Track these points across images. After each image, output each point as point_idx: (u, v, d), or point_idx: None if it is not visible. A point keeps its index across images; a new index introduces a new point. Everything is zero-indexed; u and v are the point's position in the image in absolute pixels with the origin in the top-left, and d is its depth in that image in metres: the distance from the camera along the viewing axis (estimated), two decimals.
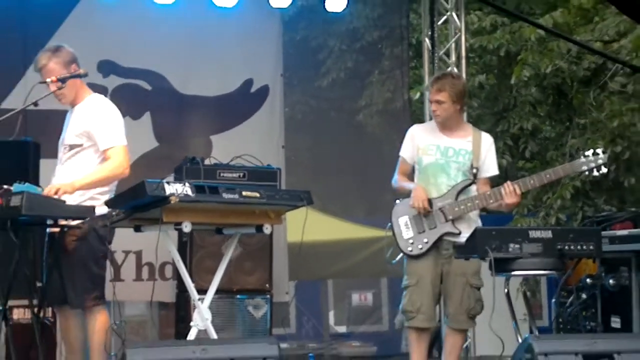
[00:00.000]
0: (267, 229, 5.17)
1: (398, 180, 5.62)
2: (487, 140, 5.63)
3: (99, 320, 5.16)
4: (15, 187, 4.79)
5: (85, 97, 5.39)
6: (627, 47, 10.28)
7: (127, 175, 5.26)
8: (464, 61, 8.69)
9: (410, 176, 5.61)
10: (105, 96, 7.49)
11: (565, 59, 11.08)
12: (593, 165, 5.50)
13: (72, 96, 5.36)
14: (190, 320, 5.27)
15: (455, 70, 8.38)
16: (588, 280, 6.49)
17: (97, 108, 5.35)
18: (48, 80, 5.27)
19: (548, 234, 5.20)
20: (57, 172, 5.36)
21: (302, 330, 9.76)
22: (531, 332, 5.45)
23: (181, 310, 7.19)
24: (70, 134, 5.32)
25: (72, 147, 5.29)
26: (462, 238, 5.33)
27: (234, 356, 3.95)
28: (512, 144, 11.66)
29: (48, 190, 5.00)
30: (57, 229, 5.05)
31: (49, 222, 5.01)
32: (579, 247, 5.19)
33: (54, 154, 5.58)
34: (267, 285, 7.36)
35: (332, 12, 8.33)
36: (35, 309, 5.34)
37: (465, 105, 5.88)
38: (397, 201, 5.54)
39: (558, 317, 6.89)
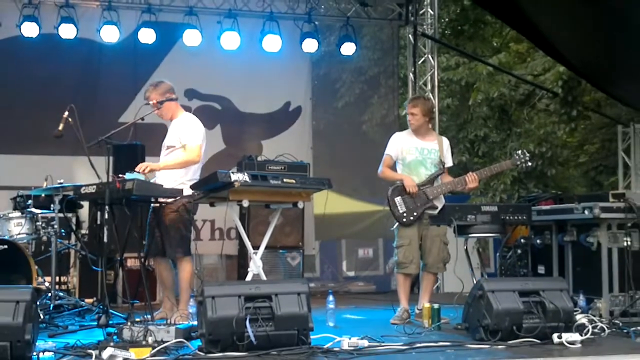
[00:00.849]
0: (300, 205, 5.20)
1: (384, 171, 5.51)
2: (446, 142, 5.59)
3: (186, 267, 5.16)
4: (128, 175, 4.80)
5: (180, 114, 5.37)
6: (550, 79, 10.24)
7: (198, 162, 5.20)
8: (436, 89, 8.68)
9: (392, 168, 5.54)
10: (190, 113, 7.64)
11: (507, 87, 11.06)
12: (524, 160, 5.48)
13: (169, 114, 5.35)
14: (247, 267, 5.28)
15: (431, 95, 8.36)
16: (522, 240, 6.46)
17: (187, 120, 5.34)
18: (150, 103, 5.30)
19: (494, 208, 5.21)
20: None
21: (324, 274, 9.72)
22: (482, 276, 5.45)
23: (241, 260, 7.22)
24: (168, 138, 5.32)
25: (169, 147, 5.29)
26: (436, 212, 5.33)
27: (278, 291, 3.92)
28: (470, 146, 11.60)
29: (140, 166, 5.00)
30: (158, 204, 5.08)
31: (152, 199, 5.04)
32: (516, 217, 5.22)
33: (155, 153, 5.60)
34: (300, 243, 7.36)
35: (346, 55, 8.32)
36: (142, 259, 5.44)
37: (432, 119, 5.81)
38: (390, 186, 5.50)
39: (501, 266, 6.87)
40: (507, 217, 5.16)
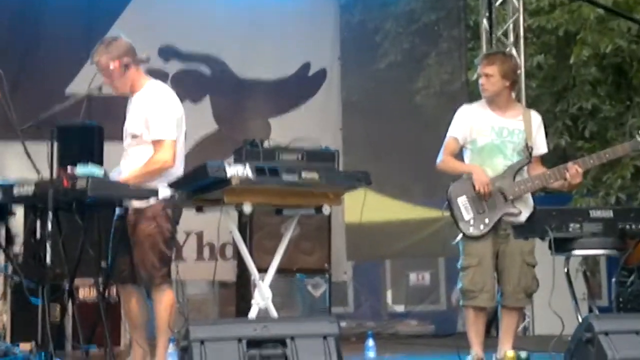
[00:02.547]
0: (326, 210, 5.19)
1: (446, 160, 5.53)
2: (536, 119, 5.58)
3: (166, 298, 5.18)
4: (79, 167, 4.83)
5: (144, 84, 5.35)
6: None
7: (171, 168, 5.18)
8: (522, 41, 8.63)
9: (458, 156, 5.56)
10: (166, 81, 7.66)
11: (625, 38, 10.90)
12: None
13: (126, 86, 5.32)
14: (250, 299, 5.31)
15: (514, 51, 8.32)
16: None
17: (154, 95, 5.30)
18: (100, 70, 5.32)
19: (609, 214, 5.15)
20: (122, 163, 5.39)
21: (360, 309, 9.79)
22: (591, 311, 5.41)
23: (242, 289, 7.27)
24: (131, 122, 5.31)
25: (133, 136, 5.28)
26: (522, 218, 5.30)
27: (295, 334, 3.91)
28: (571, 123, 11.49)
29: None
30: (124, 210, 5.11)
31: (117, 203, 5.07)
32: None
33: (117, 137, 5.62)
34: (325, 265, 7.41)
35: None
36: (101, 288, 5.46)
37: (515, 84, 5.82)
38: (452, 182, 5.49)
39: (618, 296, 6.82)
40: (627, 227, 5.10)
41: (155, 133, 5.18)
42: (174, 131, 5.22)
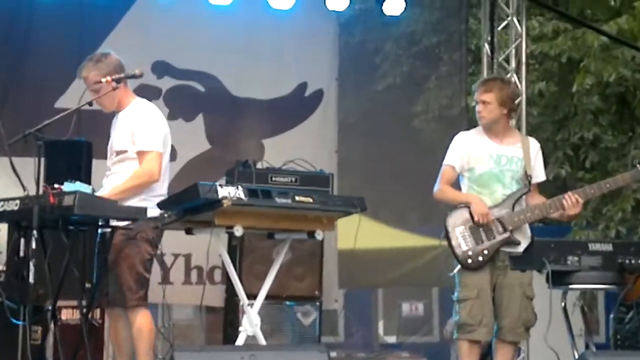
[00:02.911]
0: (319, 235, 5.21)
1: (443, 189, 5.53)
2: (535, 146, 5.61)
3: (142, 321, 5.19)
4: (66, 185, 4.86)
5: (130, 102, 5.43)
6: None
7: (157, 179, 5.27)
8: (524, 67, 8.61)
9: (455, 185, 5.57)
10: (159, 97, 7.73)
11: (630, 67, 10.93)
12: None
13: (113, 104, 5.39)
14: (238, 325, 5.32)
15: (515, 77, 8.33)
16: None
17: (140, 111, 5.39)
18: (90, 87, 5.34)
19: (608, 247, 5.16)
20: (105, 182, 5.42)
21: (351, 339, 9.78)
22: (587, 347, 5.40)
23: (230, 315, 7.24)
24: (116, 139, 5.38)
25: (118, 152, 5.35)
26: (520, 249, 5.31)
27: None
28: (572, 153, 11.52)
29: None
30: (109, 230, 5.12)
31: (101, 222, 5.08)
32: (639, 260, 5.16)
33: (106, 154, 5.65)
34: (316, 292, 7.37)
35: (390, 16, 8.32)
36: (84, 310, 5.44)
37: (513, 111, 5.83)
38: (450, 211, 5.49)
39: (616, 333, 6.82)
40: (627, 261, 5.10)
41: (141, 144, 5.23)
42: (160, 144, 5.27)
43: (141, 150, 5.24)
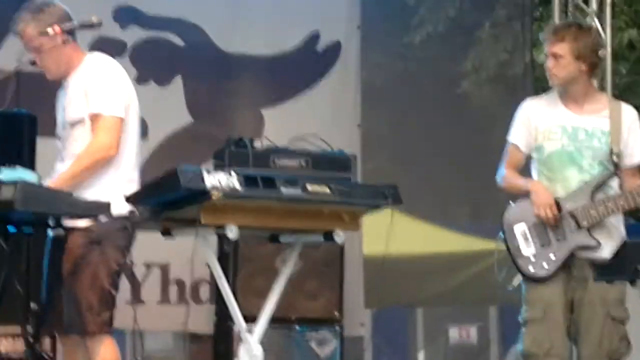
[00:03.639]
0: (339, 237, 5.20)
1: (507, 176, 5.55)
2: (629, 115, 5.57)
3: (105, 352, 5.17)
4: (5, 173, 4.86)
5: (82, 59, 5.41)
6: None
7: (114, 156, 5.22)
8: (608, 10, 8.61)
9: (523, 169, 5.58)
10: (123, 54, 7.77)
11: None
12: None
13: (59, 67, 5.39)
14: (233, 357, 5.35)
15: (597, 22, 8.33)
16: None
17: (94, 66, 5.37)
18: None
19: None
20: (58, 166, 5.42)
21: None
22: None
23: (220, 344, 7.32)
24: (70, 107, 5.35)
25: (73, 124, 5.32)
26: (603, 253, 5.32)
27: None
28: None
29: None
30: (63, 231, 5.13)
31: (51, 222, 5.07)
32: None
33: (55, 131, 5.68)
34: (336, 313, 7.46)
35: None
36: (30, 339, 5.48)
37: (595, 68, 5.79)
38: (509, 204, 5.52)
39: None
40: None
41: (95, 106, 5.20)
42: (120, 107, 5.26)
43: (94, 114, 5.20)
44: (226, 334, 6.96)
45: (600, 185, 5.41)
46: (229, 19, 8.31)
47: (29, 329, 5.47)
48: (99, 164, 5.19)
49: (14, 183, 4.72)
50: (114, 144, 5.20)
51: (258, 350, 5.09)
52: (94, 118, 5.22)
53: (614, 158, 5.43)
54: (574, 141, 5.45)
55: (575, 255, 5.33)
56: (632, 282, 5.10)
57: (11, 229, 5.01)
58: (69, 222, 5.07)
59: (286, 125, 7.77)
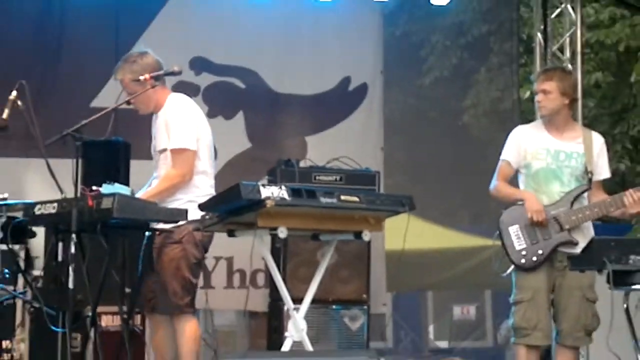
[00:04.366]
0: (366, 236, 5.19)
1: (499, 187, 5.52)
2: (598, 141, 5.55)
3: (189, 329, 5.21)
4: (105, 187, 4.88)
5: (167, 98, 5.44)
6: None
7: (189, 181, 5.28)
8: (579, 57, 8.54)
9: (513, 181, 5.54)
10: (198, 95, 7.77)
11: None
12: None
13: (150, 105, 5.44)
14: (283, 330, 5.34)
15: (570, 67, 8.27)
16: None
17: (174, 105, 5.41)
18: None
19: None
20: (154, 183, 5.45)
21: (400, 344, 9.74)
22: None
23: (274, 320, 7.24)
24: (158, 138, 5.42)
25: (160, 152, 5.40)
26: (579, 249, 5.27)
27: None
28: (631, 147, 11.42)
29: None
30: (151, 233, 5.15)
31: (141, 225, 5.09)
32: None
33: (144, 155, 5.70)
34: (364, 295, 7.37)
35: (436, 5, 8.29)
36: (125, 316, 5.48)
37: (574, 103, 5.77)
38: (504, 210, 5.48)
39: None
40: None
41: (173, 142, 5.25)
42: (193, 141, 5.28)
43: (173, 148, 5.27)
44: (278, 312, 6.92)
45: (577, 196, 5.37)
46: (279, 66, 8.27)
47: (124, 308, 5.46)
48: (176, 188, 5.25)
49: (113, 195, 4.75)
50: (187, 172, 5.25)
51: (303, 325, 5.08)
52: (173, 151, 5.25)
53: (589, 175, 5.40)
54: (556, 161, 5.41)
55: (557, 250, 5.30)
56: (600, 271, 5.06)
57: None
58: (157, 225, 5.10)
59: (324, 149, 7.72)
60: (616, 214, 5.41)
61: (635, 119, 11.46)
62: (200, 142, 5.36)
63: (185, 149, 5.26)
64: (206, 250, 5.40)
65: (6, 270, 5.94)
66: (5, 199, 5.67)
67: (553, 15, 8.63)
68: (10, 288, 6.48)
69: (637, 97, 11.52)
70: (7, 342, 6.70)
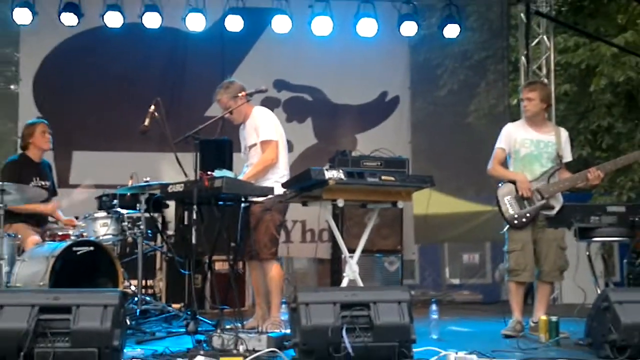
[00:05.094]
0: (400, 205, 5.16)
1: (496, 168, 5.42)
2: (564, 134, 5.45)
3: (274, 271, 5.23)
4: (217, 172, 4.93)
5: (252, 111, 5.44)
6: None
7: (276, 161, 5.27)
8: (552, 74, 8.48)
9: (504, 163, 5.45)
10: (279, 106, 7.80)
11: (635, 70, 10.63)
12: None
13: (241, 118, 5.43)
14: (342, 272, 5.32)
15: (546, 81, 8.17)
16: None
17: (260, 114, 5.42)
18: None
19: (622, 209, 5.06)
20: (245, 169, 5.45)
21: (425, 281, 9.72)
22: (607, 285, 5.29)
23: (335, 265, 7.25)
24: (248, 138, 5.42)
25: (250, 147, 5.40)
26: (554, 212, 5.22)
27: (376, 299, 3.89)
28: (591, 138, 11.23)
29: None
30: (248, 204, 5.17)
31: (242, 198, 5.12)
32: None
33: (240, 149, 5.73)
34: (398, 247, 7.37)
35: (449, 38, 8.19)
36: (231, 262, 5.56)
37: (549, 106, 5.70)
38: (500, 184, 5.43)
39: (629, 274, 6.65)
40: (637, 219, 4.99)
41: (263, 136, 5.27)
42: (275, 134, 5.30)
43: (263, 140, 5.27)
44: (338, 259, 6.91)
45: (552, 174, 5.29)
46: (336, 84, 8.29)
47: (231, 257, 5.53)
48: (267, 169, 5.25)
49: (222, 178, 4.81)
50: (274, 156, 5.27)
51: (355, 268, 5.07)
52: (263, 143, 5.28)
53: (559, 158, 5.33)
54: (537, 148, 5.33)
55: (539, 213, 5.24)
56: (569, 228, 5.04)
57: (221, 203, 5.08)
58: (252, 199, 5.14)
59: (369, 143, 7.67)
60: (580, 185, 5.33)
61: (593, 117, 11.25)
62: (280, 137, 5.37)
63: (271, 140, 5.29)
64: (284, 215, 5.40)
65: (149, 231, 6.04)
66: (147, 181, 5.80)
67: (533, 44, 8.53)
68: (152, 243, 6.63)
69: (595, 102, 11.31)
70: (151, 281, 6.86)
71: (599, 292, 4.62)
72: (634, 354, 3.99)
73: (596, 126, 11.19)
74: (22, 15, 7.34)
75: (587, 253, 5.34)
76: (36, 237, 5.66)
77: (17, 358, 3.50)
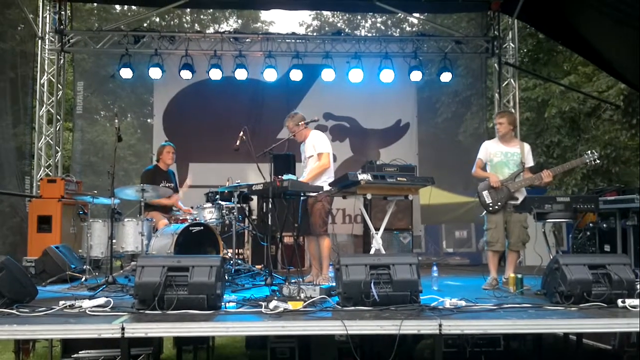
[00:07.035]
0: (410, 197, 5.15)
1: (476, 171, 5.30)
2: (527, 146, 5.31)
3: (325, 242, 5.21)
4: (285, 176, 4.94)
5: (309, 133, 5.40)
6: (613, 94, 9.56)
7: (329, 167, 5.20)
8: (517, 105, 8.32)
9: (483, 169, 5.36)
10: (326, 131, 7.78)
11: (576, 102, 10.39)
12: (592, 160, 5.13)
13: (302, 137, 5.38)
14: (370, 244, 5.29)
15: (513, 110, 8.01)
16: (591, 224, 6.07)
17: (315, 135, 5.37)
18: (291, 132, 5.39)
19: (567, 199, 4.92)
20: (304, 173, 5.42)
21: (428, 250, 9.56)
22: (557, 252, 5.15)
23: (366, 238, 7.23)
24: (307, 152, 5.37)
25: (308, 158, 5.36)
26: (519, 202, 5.10)
27: (395, 262, 3.89)
28: (546, 150, 10.99)
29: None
30: (305, 197, 5.15)
31: (302, 194, 5.11)
32: (585, 206, 4.89)
33: (300, 160, 5.74)
34: (410, 226, 7.33)
35: (444, 82, 8.16)
36: (295, 237, 5.58)
37: (515, 128, 5.56)
38: (480, 182, 5.34)
39: (573, 245, 6.47)
40: (578, 206, 4.86)
41: (319, 149, 5.23)
42: (329, 148, 5.25)
43: (320, 152, 5.23)
44: (367, 235, 6.87)
45: (517, 175, 5.18)
46: (365, 114, 8.31)
47: (294, 233, 5.53)
48: (322, 173, 5.21)
49: (288, 180, 4.82)
50: (327, 163, 5.23)
51: (380, 241, 5.02)
52: (320, 154, 5.25)
53: (522, 164, 5.21)
54: (506, 157, 5.20)
55: (507, 202, 5.13)
56: (529, 212, 4.91)
57: (287, 197, 5.08)
58: (309, 193, 5.13)
59: (389, 155, 7.56)
60: (537, 183, 5.19)
61: (547, 135, 11.02)
62: (330, 151, 5.35)
63: (326, 152, 5.23)
64: (331, 204, 5.37)
65: (240, 216, 6.11)
66: (238, 183, 5.87)
67: (503, 85, 8.39)
68: (242, 224, 6.69)
69: (548, 124, 11.06)
70: (241, 249, 6.94)
71: (551, 257, 4.52)
72: (576, 301, 3.92)
73: (549, 141, 10.95)
74: (155, 72, 7.75)
75: (543, 230, 5.18)
76: (165, 221, 5.78)
77: (153, 301, 3.62)
